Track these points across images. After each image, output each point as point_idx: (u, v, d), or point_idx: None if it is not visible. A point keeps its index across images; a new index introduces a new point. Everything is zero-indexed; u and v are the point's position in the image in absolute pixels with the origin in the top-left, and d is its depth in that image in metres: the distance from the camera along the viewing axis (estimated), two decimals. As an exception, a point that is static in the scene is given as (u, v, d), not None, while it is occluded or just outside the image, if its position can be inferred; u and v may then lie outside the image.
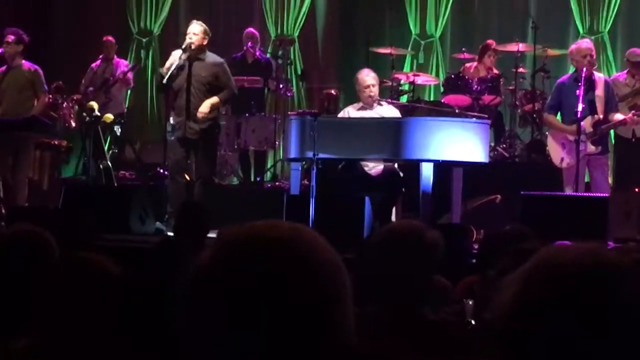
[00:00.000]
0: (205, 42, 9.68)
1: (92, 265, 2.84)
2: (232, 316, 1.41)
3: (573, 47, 9.86)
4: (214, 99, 9.55)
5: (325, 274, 1.45)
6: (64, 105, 12.31)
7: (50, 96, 11.56)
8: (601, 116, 9.44)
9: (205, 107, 9.47)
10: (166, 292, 2.82)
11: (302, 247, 1.45)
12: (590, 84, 9.43)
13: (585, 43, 9.90)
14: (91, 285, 2.78)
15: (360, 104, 9.76)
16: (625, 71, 11.14)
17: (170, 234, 8.41)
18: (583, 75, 9.29)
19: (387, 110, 9.81)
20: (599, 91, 9.48)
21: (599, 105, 9.46)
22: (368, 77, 9.66)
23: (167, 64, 9.65)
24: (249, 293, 1.40)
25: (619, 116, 9.56)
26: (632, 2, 13.56)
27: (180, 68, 9.56)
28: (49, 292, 2.79)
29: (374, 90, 9.64)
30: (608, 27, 13.45)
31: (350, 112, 9.79)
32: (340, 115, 10.07)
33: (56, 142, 11.64)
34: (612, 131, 10.27)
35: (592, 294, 1.43)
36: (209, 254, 1.46)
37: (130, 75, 12.91)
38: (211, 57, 9.79)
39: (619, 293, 1.44)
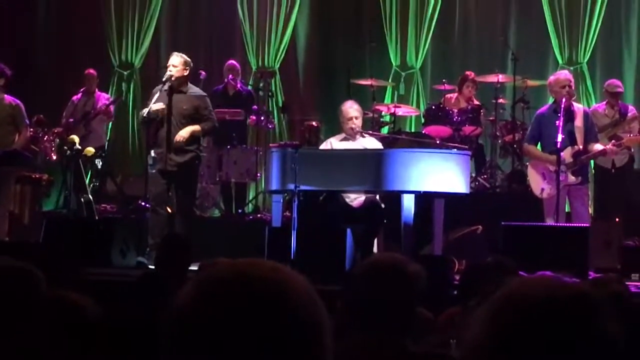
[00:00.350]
0: (186, 74, 9.69)
1: (69, 306, 2.83)
2: (215, 355, 1.42)
3: (552, 78, 9.90)
4: (196, 127, 9.56)
5: (305, 310, 1.47)
6: (45, 139, 12.27)
7: (31, 129, 11.53)
8: (581, 147, 9.47)
9: (185, 132, 9.47)
10: (150, 324, 2.81)
11: (283, 285, 1.47)
12: (570, 115, 9.46)
13: (564, 74, 9.95)
14: (74, 327, 2.77)
15: (343, 135, 9.79)
16: (604, 102, 11.23)
17: (152, 267, 8.38)
18: (562, 106, 9.32)
19: (370, 142, 9.84)
20: (578, 122, 9.52)
21: (579, 136, 9.49)
22: (352, 109, 9.70)
23: (150, 101, 9.68)
24: (231, 331, 1.42)
25: (598, 146, 9.59)
26: (610, 33, 13.68)
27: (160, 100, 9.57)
28: (33, 328, 2.78)
29: (357, 123, 9.68)
30: (587, 57, 13.56)
31: (333, 143, 9.82)
32: (323, 146, 10.09)
33: (37, 176, 11.61)
34: (592, 161, 10.32)
35: (563, 327, 1.48)
36: (190, 293, 1.47)
37: (111, 108, 12.91)
38: (193, 89, 9.81)
39: (590, 325, 1.47)
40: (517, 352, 1.47)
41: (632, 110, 11.16)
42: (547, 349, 1.46)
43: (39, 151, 12.16)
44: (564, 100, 9.35)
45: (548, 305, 1.49)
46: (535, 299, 1.51)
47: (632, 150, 11.02)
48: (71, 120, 12.13)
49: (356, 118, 9.66)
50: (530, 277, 1.67)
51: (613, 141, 9.84)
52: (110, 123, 13.78)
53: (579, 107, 9.82)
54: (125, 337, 2.97)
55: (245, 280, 1.47)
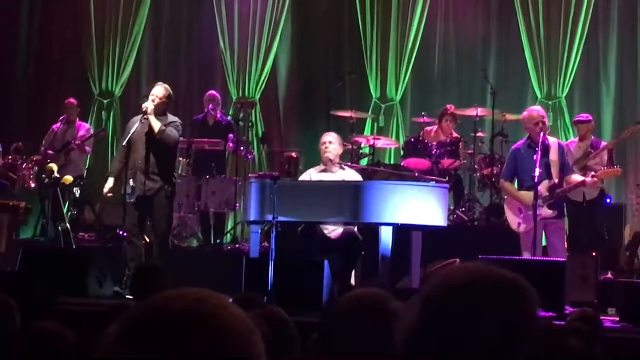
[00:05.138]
0: (165, 107, 9.65)
1: (48, 336, 2.81)
2: None
3: (525, 114, 9.90)
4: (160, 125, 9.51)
5: (233, 343, 1.44)
6: (24, 166, 12.24)
7: (10, 157, 11.50)
8: (556, 180, 9.50)
9: (152, 114, 9.47)
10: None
11: (205, 318, 1.44)
12: (545, 149, 9.49)
13: (536, 111, 9.90)
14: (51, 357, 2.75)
15: (322, 167, 9.82)
16: (577, 138, 11.32)
17: (130, 297, 8.35)
18: (540, 140, 9.36)
19: (349, 174, 9.86)
20: (553, 155, 9.55)
21: (554, 170, 9.53)
22: (327, 135, 9.84)
23: (127, 129, 9.66)
24: None
25: (577, 177, 9.63)
26: (588, 68, 13.79)
27: (138, 129, 9.55)
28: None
29: (330, 148, 9.68)
30: (565, 92, 13.65)
31: (312, 174, 9.84)
32: (302, 177, 10.11)
33: (14, 204, 11.56)
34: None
35: (462, 309, 1.75)
36: (113, 331, 1.45)
37: (86, 145, 12.77)
38: (171, 118, 9.74)
39: (480, 309, 1.75)
40: (442, 331, 1.74)
41: (603, 144, 11.22)
42: (467, 329, 1.72)
43: (17, 179, 12.12)
44: (541, 135, 9.39)
45: (466, 290, 1.77)
46: (457, 284, 1.77)
47: (602, 183, 11.06)
48: (50, 152, 12.08)
49: (330, 143, 9.70)
50: (459, 266, 1.91)
51: (592, 173, 9.84)
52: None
53: (553, 140, 9.85)
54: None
55: (163, 315, 1.44)
